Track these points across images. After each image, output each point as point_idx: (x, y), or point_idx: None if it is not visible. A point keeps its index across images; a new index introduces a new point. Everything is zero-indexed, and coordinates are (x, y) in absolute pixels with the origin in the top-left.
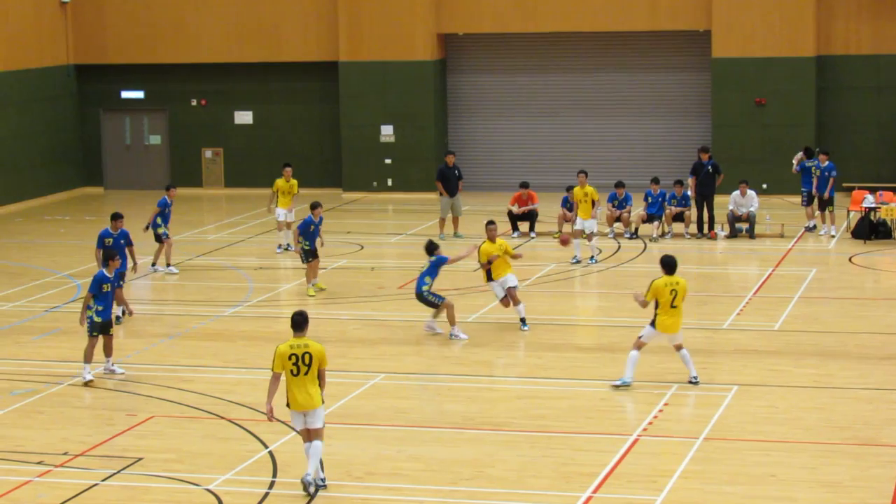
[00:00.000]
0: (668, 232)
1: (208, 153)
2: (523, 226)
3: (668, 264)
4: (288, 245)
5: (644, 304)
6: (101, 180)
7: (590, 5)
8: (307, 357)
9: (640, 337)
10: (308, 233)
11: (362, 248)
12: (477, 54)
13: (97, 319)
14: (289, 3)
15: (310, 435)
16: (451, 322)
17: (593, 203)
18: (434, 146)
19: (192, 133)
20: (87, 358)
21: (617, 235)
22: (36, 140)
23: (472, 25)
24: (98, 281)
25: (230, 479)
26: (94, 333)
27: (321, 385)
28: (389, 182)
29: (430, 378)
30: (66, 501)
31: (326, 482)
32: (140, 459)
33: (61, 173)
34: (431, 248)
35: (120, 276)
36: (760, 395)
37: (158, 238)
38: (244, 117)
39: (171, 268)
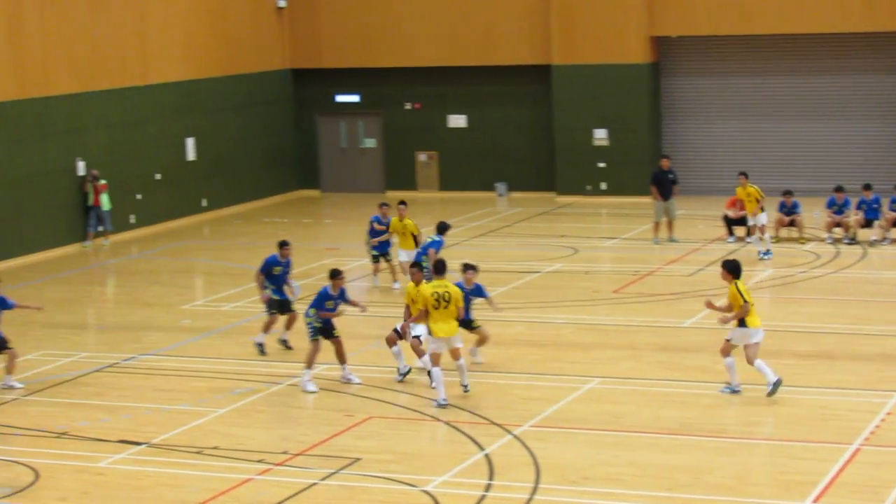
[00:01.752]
0: (886, 238)
1: (422, 156)
2: (739, 230)
3: (736, 268)
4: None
5: (741, 311)
6: (317, 183)
7: (806, 6)
8: (447, 295)
9: (728, 340)
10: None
11: (576, 251)
12: (691, 57)
13: (317, 325)
14: (502, 6)
15: (455, 354)
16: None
17: (757, 201)
18: (648, 149)
19: (406, 136)
20: (309, 363)
21: (836, 241)
22: (254, 143)
23: (686, 28)
24: (321, 297)
25: (447, 481)
26: (316, 337)
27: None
28: (603, 186)
29: (646, 383)
30: (285, 500)
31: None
32: (358, 460)
33: (279, 176)
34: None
35: (286, 303)
36: None
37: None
38: (458, 121)
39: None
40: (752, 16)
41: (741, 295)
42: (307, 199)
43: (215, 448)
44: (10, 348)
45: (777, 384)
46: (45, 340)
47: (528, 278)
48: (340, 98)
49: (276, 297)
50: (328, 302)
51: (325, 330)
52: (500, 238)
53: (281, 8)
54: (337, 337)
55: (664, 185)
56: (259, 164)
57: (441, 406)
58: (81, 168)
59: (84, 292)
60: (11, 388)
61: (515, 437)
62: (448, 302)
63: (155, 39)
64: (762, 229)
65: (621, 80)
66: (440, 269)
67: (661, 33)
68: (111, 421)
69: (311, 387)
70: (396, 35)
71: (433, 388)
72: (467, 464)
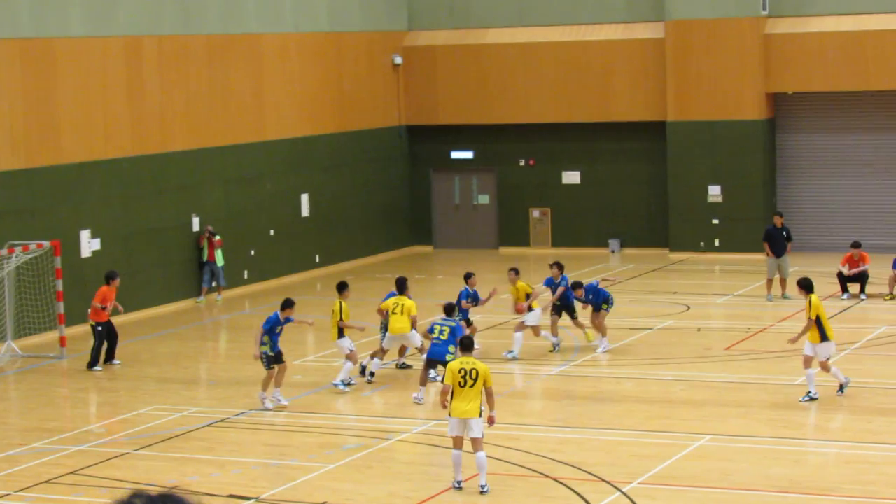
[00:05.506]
0: None
1: (536, 213)
2: (854, 287)
3: (810, 284)
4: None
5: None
6: (430, 239)
7: None
8: (474, 372)
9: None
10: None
11: (688, 308)
12: (807, 113)
13: (270, 354)
14: (617, 63)
15: (473, 446)
16: (272, 386)
17: (527, 296)
18: (762, 206)
19: (519, 193)
20: (264, 386)
21: None
22: (368, 199)
23: (802, 84)
24: (273, 323)
25: None
26: (271, 366)
27: (490, 402)
28: (716, 242)
29: (757, 440)
30: None
31: (488, 488)
32: None
33: (392, 232)
34: (285, 303)
35: (280, 355)
36: None
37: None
38: (572, 177)
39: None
40: (869, 72)
41: (814, 307)
42: (420, 255)
43: (324, 503)
44: (282, 362)
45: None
46: (157, 395)
47: (640, 335)
48: (455, 154)
49: (272, 353)
50: (278, 327)
51: (276, 357)
52: (612, 294)
53: (397, 65)
54: (283, 363)
55: (777, 242)
56: (372, 220)
57: (457, 488)
58: (196, 224)
59: (197, 347)
60: (279, 401)
61: (624, 493)
62: (475, 380)
63: (271, 96)
64: (536, 330)
65: (736, 137)
66: (468, 346)
67: (776, 90)
68: (221, 475)
69: (269, 404)
70: (511, 92)
71: None
72: None
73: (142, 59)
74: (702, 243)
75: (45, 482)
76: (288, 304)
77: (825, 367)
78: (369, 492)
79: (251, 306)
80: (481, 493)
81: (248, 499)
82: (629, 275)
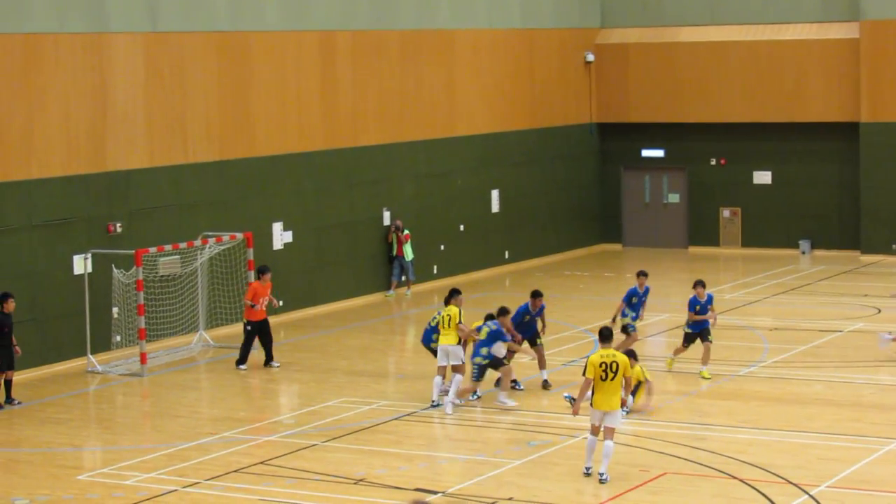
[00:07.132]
0: None
1: (726, 212)
2: None
3: None
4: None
5: None
6: (619, 237)
7: None
8: (615, 365)
9: None
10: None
11: (879, 311)
12: None
13: (485, 363)
14: (811, 64)
15: (605, 434)
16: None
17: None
18: None
19: (710, 192)
20: (462, 395)
21: None
22: (558, 196)
23: None
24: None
25: None
26: (480, 378)
27: (627, 389)
28: None
29: None
30: None
31: (608, 477)
32: None
33: (581, 229)
34: (501, 311)
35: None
36: None
37: (624, 329)
38: (763, 177)
39: None
40: None
41: None
42: (609, 253)
43: (510, 499)
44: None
45: None
46: (346, 387)
47: (830, 337)
48: (646, 153)
49: (485, 361)
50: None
51: (493, 364)
52: (802, 296)
53: (589, 62)
54: (506, 364)
55: None
56: (562, 217)
57: (586, 473)
58: (387, 218)
59: (385, 341)
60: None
61: (812, 496)
62: (615, 373)
63: (462, 92)
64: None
65: None
66: (607, 337)
67: None
68: (409, 469)
69: (450, 409)
70: (703, 90)
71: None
72: None
73: (335, 54)
74: (894, 246)
75: (235, 471)
76: (505, 312)
77: None
78: (556, 489)
79: (440, 300)
80: (601, 481)
81: (434, 492)
82: (819, 276)
